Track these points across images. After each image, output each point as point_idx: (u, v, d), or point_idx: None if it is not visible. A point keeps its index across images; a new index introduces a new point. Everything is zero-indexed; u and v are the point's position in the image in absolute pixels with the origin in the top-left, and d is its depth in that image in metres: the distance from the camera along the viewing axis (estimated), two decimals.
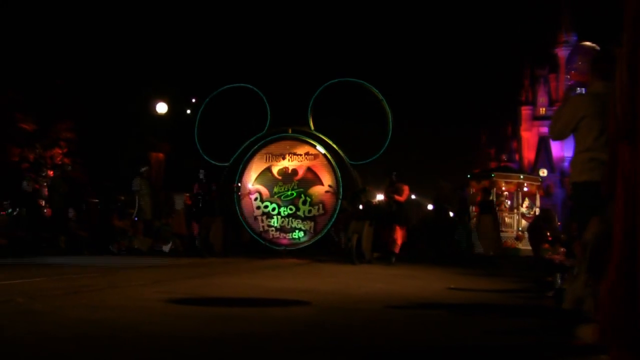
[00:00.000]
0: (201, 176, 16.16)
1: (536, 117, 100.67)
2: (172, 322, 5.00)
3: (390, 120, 16.91)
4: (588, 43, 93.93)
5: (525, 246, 23.09)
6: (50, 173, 24.11)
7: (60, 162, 26.34)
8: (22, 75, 25.84)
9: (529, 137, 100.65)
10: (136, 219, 16.34)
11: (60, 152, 28.10)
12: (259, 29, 79.94)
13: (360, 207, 14.33)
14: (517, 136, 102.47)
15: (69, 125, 28.61)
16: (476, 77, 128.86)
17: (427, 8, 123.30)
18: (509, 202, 27.84)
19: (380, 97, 17.08)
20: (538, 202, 28.38)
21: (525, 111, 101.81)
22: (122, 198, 17.22)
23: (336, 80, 17.64)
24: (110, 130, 27.06)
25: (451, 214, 21.35)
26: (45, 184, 18.36)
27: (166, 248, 17.10)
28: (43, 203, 18.79)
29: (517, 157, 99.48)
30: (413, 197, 23.04)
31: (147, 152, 19.10)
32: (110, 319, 5.06)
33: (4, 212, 14.86)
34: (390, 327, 5.27)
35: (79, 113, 28.48)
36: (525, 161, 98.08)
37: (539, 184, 30.10)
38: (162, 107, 22.95)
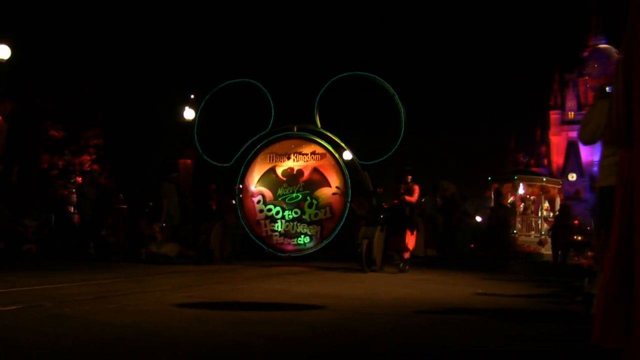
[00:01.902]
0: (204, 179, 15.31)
1: (565, 122, 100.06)
2: (198, 327, 5.02)
3: (403, 116, 15.53)
4: (604, 45, 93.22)
5: (548, 251, 22.84)
6: (79, 179, 24.35)
7: (89, 169, 26.57)
8: (51, 84, 26.11)
9: (557, 141, 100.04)
10: (164, 225, 16.36)
11: (89, 158, 28.36)
12: (261, 21, 75.43)
13: (370, 210, 13.51)
14: (545, 141, 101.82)
15: (98, 132, 28.88)
16: (505, 82, 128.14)
17: (456, 10, 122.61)
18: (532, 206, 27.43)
19: (392, 91, 15.72)
20: (558, 206, 27.96)
21: (554, 115, 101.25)
22: (151, 204, 17.08)
23: (345, 74, 16.25)
24: (138, 137, 27.06)
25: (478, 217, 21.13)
26: (74, 190, 18.52)
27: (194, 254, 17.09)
28: (72, 209, 18.98)
29: (545, 161, 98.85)
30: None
31: (175, 159, 18.91)
32: (138, 323, 5.09)
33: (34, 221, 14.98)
34: (417, 332, 5.24)
35: (107, 120, 28.74)
36: (554, 166, 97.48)
37: (560, 187, 29.69)
38: (189, 114, 23.09)
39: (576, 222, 15.26)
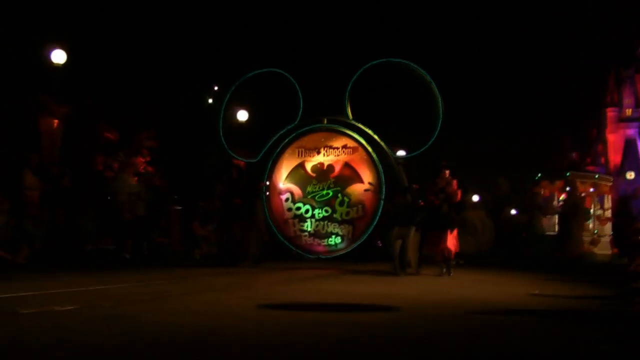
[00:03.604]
0: (234, 174, 13.96)
1: (622, 119, 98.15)
2: (252, 327, 5.02)
3: (441, 107, 14.30)
4: None
5: (601, 251, 22.31)
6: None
7: (143, 170, 26.87)
8: (105, 86, 26.47)
9: (615, 139, 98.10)
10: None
11: (142, 160, 28.66)
12: (289, 7, 69.45)
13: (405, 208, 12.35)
14: (602, 139, 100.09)
15: (152, 133, 29.17)
16: (559, 80, 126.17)
17: (508, 3, 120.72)
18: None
19: (429, 79, 14.50)
20: (609, 204, 27.23)
21: (611, 113, 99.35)
22: (204, 205, 17.11)
23: (376, 61, 15.02)
24: (192, 138, 27.14)
25: (513, 212, 20.68)
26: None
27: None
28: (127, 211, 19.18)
29: (602, 160, 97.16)
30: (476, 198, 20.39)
31: (229, 159, 18.77)
32: (192, 324, 5.11)
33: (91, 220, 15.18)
34: (476, 333, 5.16)
35: (161, 121, 29.02)
36: (612, 164, 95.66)
37: (611, 184, 28.97)
38: (242, 115, 23.18)
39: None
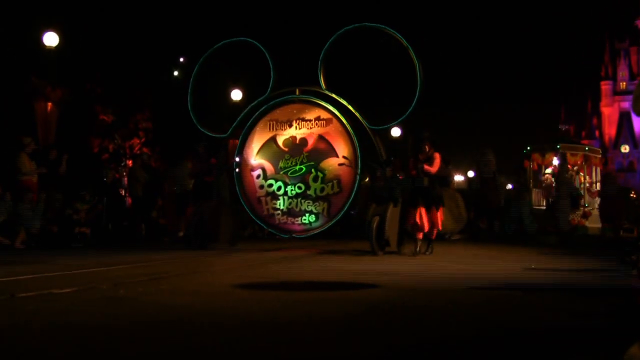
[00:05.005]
0: (201, 151, 13.73)
1: (617, 92, 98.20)
2: (249, 307, 5.02)
3: (420, 73, 13.16)
4: None
5: (592, 224, 22.29)
6: (130, 163, 24.65)
7: (139, 152, 26.87)
8: (99, 69, 26.39)
9: (609, 112, 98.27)
10: None
11: (138, 141, 28.65)
12: None
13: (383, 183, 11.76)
14: (597, 112, 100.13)
15: (147, 115, 29.13)
16: (553, 53, 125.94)
17: None
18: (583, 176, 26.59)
19: (406, 44, 13.30)
20: (597, 176, 27.12)
21: (605, 86, 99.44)
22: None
23: (350, 26, 13.87)
24: (186, 118, 26.98)
25: (509, 186, 20.65)
26: (124, 173, 18.71)
27: (246, 233, 17.18)
28: (123, 192, 19.23)
29: (597, 133, 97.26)
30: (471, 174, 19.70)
31: (224, 139, 18.53)
32: (191, 304, 5.12)
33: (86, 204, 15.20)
34: (475, 309, 5.16)
35: (156, 102, 28.96)
36: (606, 138, 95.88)
37: (600, 156, 28.84)
38: (237, 94, 23.13)
39: (633, 194, 14.73)
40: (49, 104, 17.42)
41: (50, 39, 16.98)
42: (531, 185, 24.03)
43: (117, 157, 26.50)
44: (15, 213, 13.19)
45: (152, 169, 19.55)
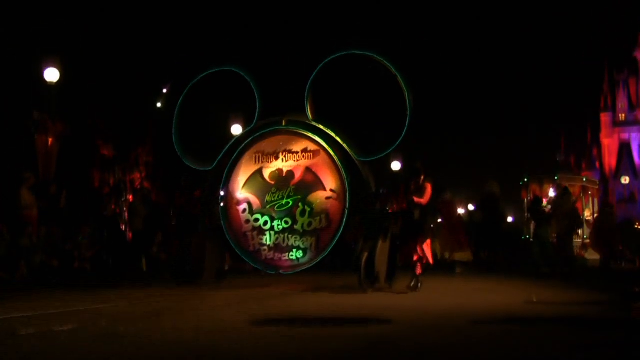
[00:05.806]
0: (184, 183, 13.52)
1: (617, 123, 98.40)
2: (250, 343, 5.01)
3: (409, 101, 12.68)
4: None
5: (591, 255, 22.15)
6: (130, 197, 24.66)
7: (139, 187, 26.91)
8: (100, 103, 26.54)
9: (609, 143, 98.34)
10: None
11: (139, 176, 28.71)
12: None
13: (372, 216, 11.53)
14: (597, 143, 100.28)
15: (148, 148, 29.22)
16: (552, 84, 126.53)
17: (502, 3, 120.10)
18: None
19: (394, 71, 12.82)
20: (595, 207, 27.09)
21: (605, 117, 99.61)
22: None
23: (338, 54, 13.27)
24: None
25: (510, 219, 20.56)
26: (125, 208, 18.72)
27: (248, 266, 17.08)
28: (124, 227, 19.24)
29: (597, 164, 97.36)
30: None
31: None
32: (193, 340, 5.11)
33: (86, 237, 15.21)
34: (480, 344, 5.14)
35: (157, 136, 29.02)
36: (607, 168, 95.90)
37: (597, 187, 28.84)
38: (237, 129, 23.12)
39: (638, 225, 14.68)
40: (50, 138, 17.47)
41: (51, 74, 17.10)
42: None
43: (118, 192, 26.52)
44: (15, 247, 13.18)
45: (152, 203, 19.55)
